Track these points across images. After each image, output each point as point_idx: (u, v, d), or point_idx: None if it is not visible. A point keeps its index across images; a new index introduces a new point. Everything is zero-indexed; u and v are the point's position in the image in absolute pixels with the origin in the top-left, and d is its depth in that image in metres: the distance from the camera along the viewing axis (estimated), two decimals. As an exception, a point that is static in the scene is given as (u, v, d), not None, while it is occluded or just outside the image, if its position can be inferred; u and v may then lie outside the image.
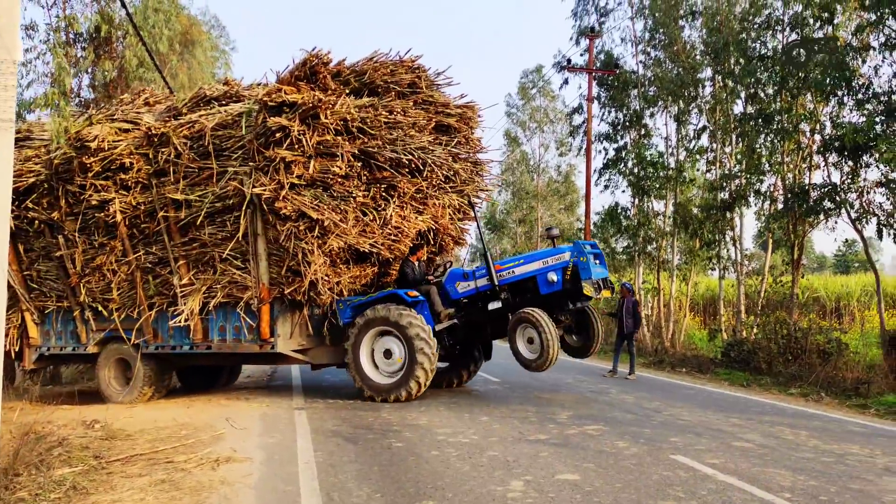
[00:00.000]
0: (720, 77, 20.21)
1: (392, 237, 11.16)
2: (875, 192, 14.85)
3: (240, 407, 11.12)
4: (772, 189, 18.49)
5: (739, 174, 19.49)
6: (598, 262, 11.19)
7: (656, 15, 23.07)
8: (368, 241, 10.91)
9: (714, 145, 21.50)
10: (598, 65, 24.14)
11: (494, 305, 11.36)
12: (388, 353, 11.30)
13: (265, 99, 10.53)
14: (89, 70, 20.62)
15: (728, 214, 19.93)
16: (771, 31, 17.85)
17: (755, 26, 18.43)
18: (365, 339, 11.37)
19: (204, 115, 11.36)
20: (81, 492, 6.31)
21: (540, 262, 11.22)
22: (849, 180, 15.32)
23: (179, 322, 11.33)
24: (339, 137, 10.53)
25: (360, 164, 10.72)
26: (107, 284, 11.98)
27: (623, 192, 24.40)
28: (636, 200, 23.63)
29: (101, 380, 12.42)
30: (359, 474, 6.87)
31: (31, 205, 12.06)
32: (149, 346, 11.96)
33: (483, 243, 12.50)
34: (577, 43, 25.28)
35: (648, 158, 23.01)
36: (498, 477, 6.62)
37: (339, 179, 10.49)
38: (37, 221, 12.22)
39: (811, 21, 16.56)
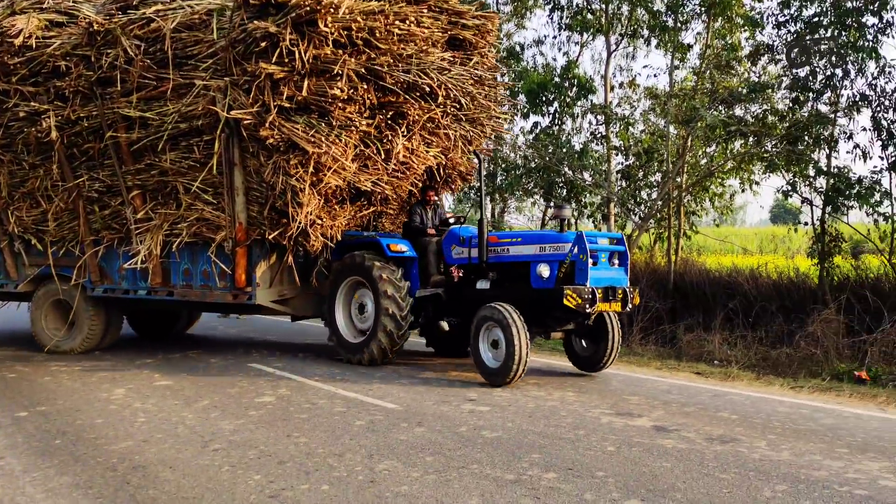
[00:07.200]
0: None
1: (398, 173, 9.41)
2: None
3: None
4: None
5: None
6: (617, 264, 8.50)
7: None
8: (371, 178, 9.13)
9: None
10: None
11: (482, 285, 8.88)
12: (362, 308, 9.51)
13: None
14: None
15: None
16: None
17: None
18: (341, 289, 9.61)
19: (162, 10, 9.04)
20: None
21: (536, 247, 8.56)
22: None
23: (135, 264, 9.44)
24: (341, 51, 8.43)
25: (364, 86, 8.69)
26: (41, 213, 9.91)
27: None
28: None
29: (35, 323, 10.50)
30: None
31: (-65, 113, 9.61)
32: (95, 289, 10.04)
33: (482, 204, 9.35)
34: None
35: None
36: (105, 388, 7.91)
37: (340, 104, 8.46)
38: None
39: None
